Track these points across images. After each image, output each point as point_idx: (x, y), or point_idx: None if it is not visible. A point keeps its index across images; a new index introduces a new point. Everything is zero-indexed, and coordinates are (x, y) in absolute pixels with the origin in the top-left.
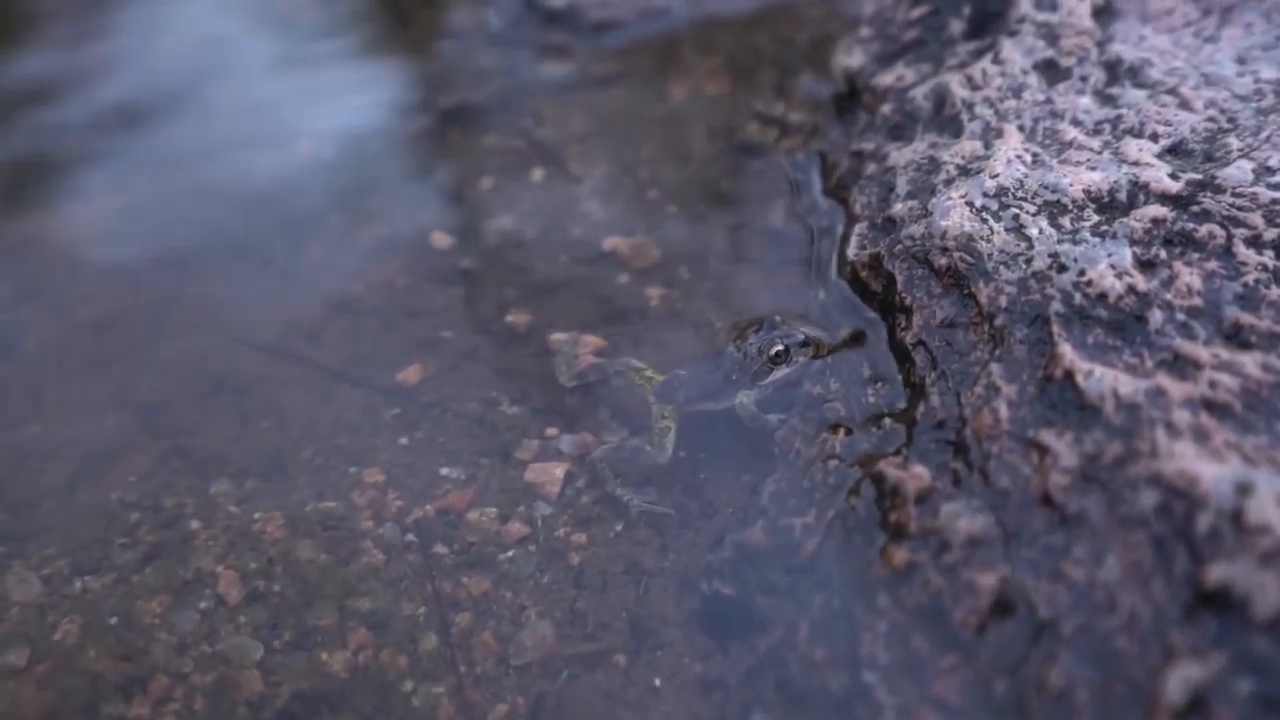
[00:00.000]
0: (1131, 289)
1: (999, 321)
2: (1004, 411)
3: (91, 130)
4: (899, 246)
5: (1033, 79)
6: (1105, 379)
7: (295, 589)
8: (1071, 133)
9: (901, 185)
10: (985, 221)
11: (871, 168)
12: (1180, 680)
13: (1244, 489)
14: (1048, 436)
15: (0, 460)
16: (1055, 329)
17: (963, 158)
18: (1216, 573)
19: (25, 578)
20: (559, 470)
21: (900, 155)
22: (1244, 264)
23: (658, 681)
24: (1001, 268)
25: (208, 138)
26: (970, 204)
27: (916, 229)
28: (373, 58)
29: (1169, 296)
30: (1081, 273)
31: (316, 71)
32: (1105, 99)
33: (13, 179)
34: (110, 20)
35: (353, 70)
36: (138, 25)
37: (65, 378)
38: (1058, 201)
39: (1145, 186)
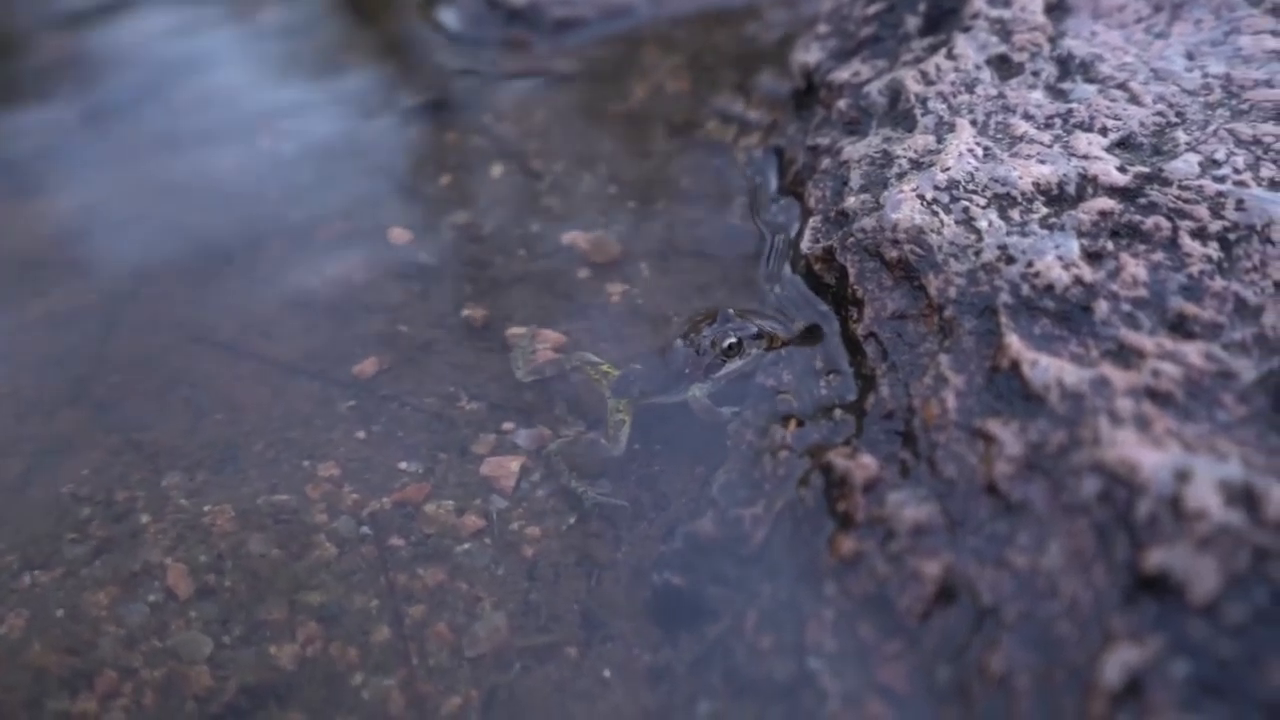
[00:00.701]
0: (1078, 280)
1: (948, 313)
2: (951, 401)
3: (50, 126)
4: (851, 239)
5: (986, 74)
6: (1051, 369)
7: (246, 583)
8: (1022, 127)
9: (855, 179)
10: (935, 214)
11: (826, 162)
12: (1118, 664)
13: (1183, 475)
14: (994, 426)
15: None
16: (1003, 320)
17: (915, 151)
18: (1155, 558)
19: None
20: (515, 464)
21: (854, 149)
22: (1189, 255)
23: (607, 673)
24: (951, 260)
25: (168, 134)
26: (921, 197)
27: (868, 222)
28: (334, 55)
29: (1115, 287)
30: (1029, 264)
31: (277, 69)
32: (1056, 93)
33: None
34: (69, 15)
35: (314, 68)
36: (97, 23)
37: (18, 373)
38: (1007, 194)
39: (1094, 179)
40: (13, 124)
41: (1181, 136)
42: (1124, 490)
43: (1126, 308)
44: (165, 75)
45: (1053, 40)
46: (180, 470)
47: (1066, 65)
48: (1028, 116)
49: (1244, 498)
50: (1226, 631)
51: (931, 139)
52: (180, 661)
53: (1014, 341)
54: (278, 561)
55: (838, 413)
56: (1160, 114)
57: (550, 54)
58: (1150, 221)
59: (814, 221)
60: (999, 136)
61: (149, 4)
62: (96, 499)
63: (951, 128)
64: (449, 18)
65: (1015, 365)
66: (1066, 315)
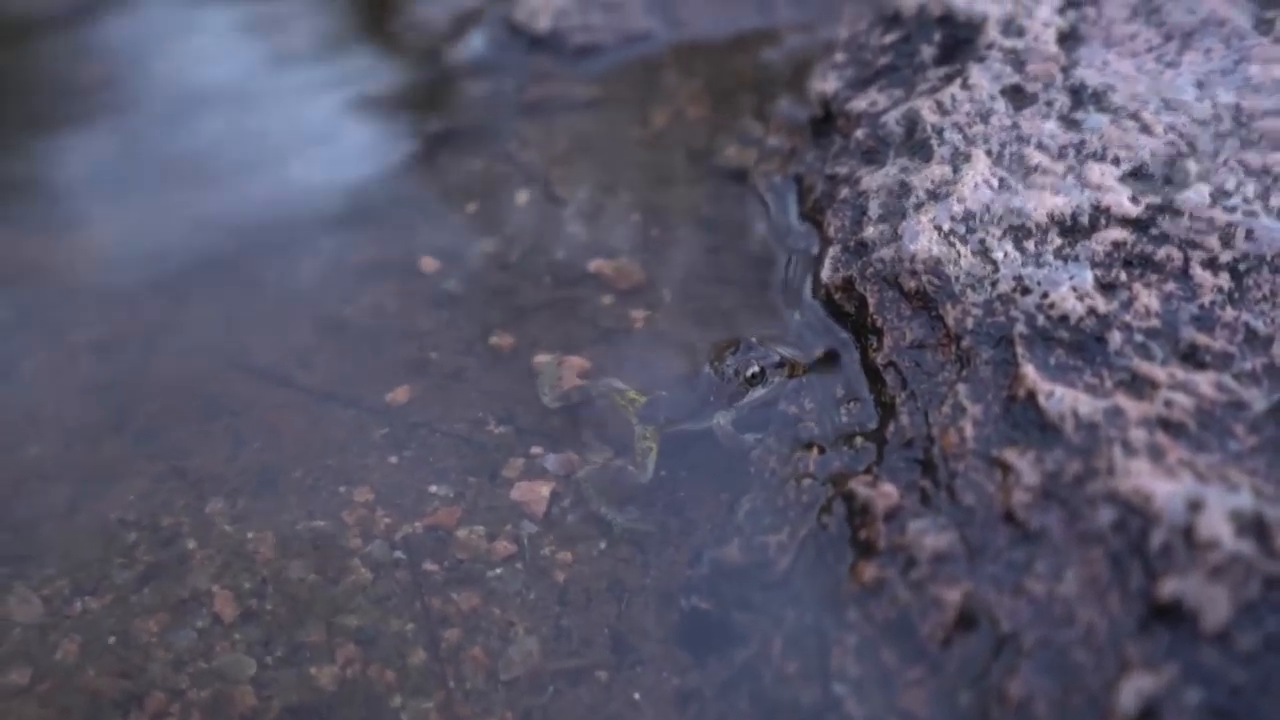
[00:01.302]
0: (1092, 310)
1: (965, 343)
2: (969, 430)
3: (89, 158)
4: (870, 269)
5: (1000, 104)
6: (1066, 399)
7: (286, 607)
8: (1037, 157)
9: (873, 209)
10: (952, 245)
11: (845, 191)
12: (1133, 691)
13: (1195, 505)
14: (1011, 455)
15: (1, 481)
16: (1019, 350)
17: (932, 182)
18: (1169, 587)
19: (27, 599)
20: (545, 489)
21: (872, 179)
22: (1200, 285)
23: (637, 695)
24: (968, 290)
25: (202, 164)
26: (938, 228)
27: (887, 252)
28: (360, 82)
29: (1128, 318)
30: (1044, 295)
31: (306, 97)
32: (1070, 123)
33: (11, 206)
34: (102, 45)
35: (341, 95)
36: (129, 52)
37: (63, 400)
38: (1022, 225)
39: (1106, 210)
40: (54, 157)
41: (1192, 166)
42: (1138, 520)
43: (1139, 338)
44: (197, 105)
45: (1065, 70)
46: (223, 496)
47: (1079, 95)
48: (1041, 147)
49: (1255, 527)
50: (1238, 659)
51: (948, 169)
52: (226, 682)
53: (1030, 372)
54: (316, 586)
55: (859, 440)
56: (1171, 144)
57: (572, 80)
58: (1162, 252)
59: (833, 251)
60: (1014, 167)
61: (181, 33)
62: (143, 525)
63: (967, 158)
64: (473, 45)
65: (1031, 395)
66: (1081, 345)
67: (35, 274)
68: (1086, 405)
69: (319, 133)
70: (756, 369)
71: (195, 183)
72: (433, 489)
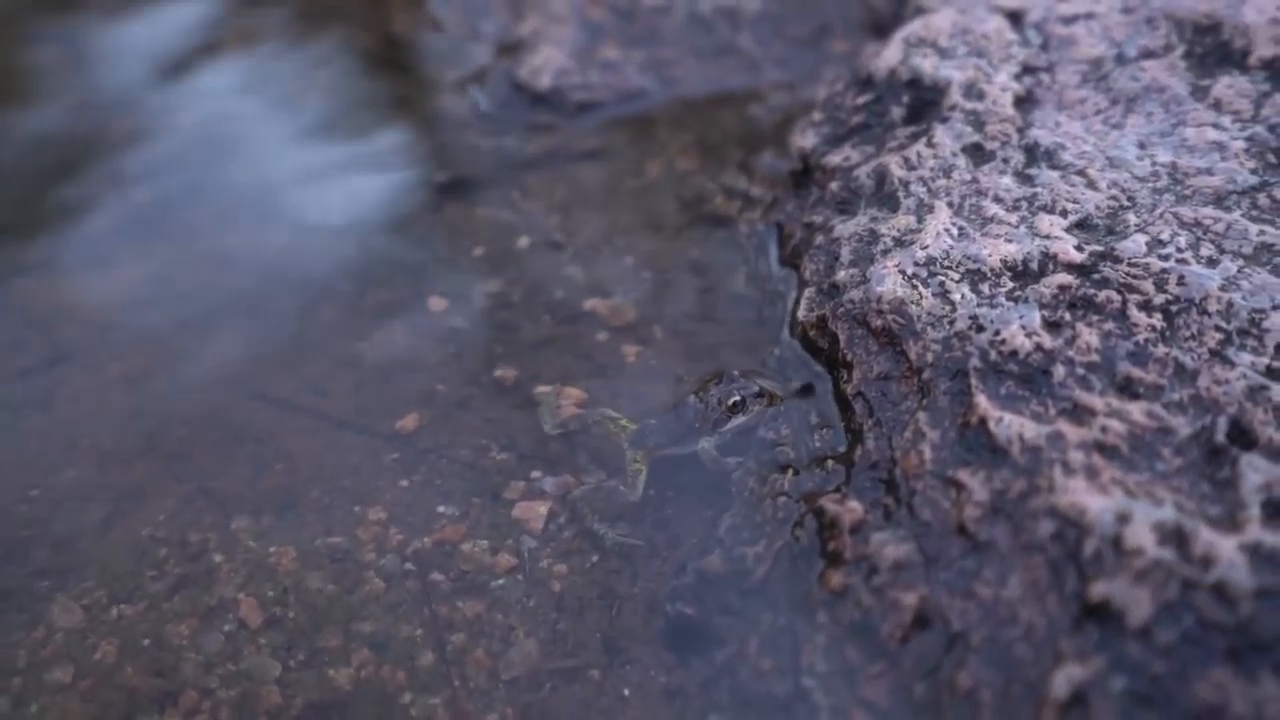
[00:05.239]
0: (1039, 347)
1: (926, 375)
2: (928, 453)
3: (116, 204)
4: (841, 309)
5: (961, 161)
6: (1013, 425)
7: (306, 614)
8: (993, 209)
9: (845, 254)
10: (915, 288)
11: (820, 238)
12: (1065, 679)
13: (1123, 518)
14: (964, 475)
15: (42, 502)
16: (973, 382)
17: (898, 231)
18: (1099, 589)
19: (68, 607)
20: (543, 508)
21: (845, 228)
22: (1136, 325)
23: (627, 692)
24: (928, 328)
25: (225, 210)
26: (903, 272)
27: (857, 294)
28: (374, 137)
29: (1071, 353)
30: (996, 333)
31: (323, 150)
32: (1024, 179)
33: (46, 249)
34: (129, 100)
35: (357, 148)
36: (155, 106)
37: (98, 428)
38: (978, 270)
39: (1054, 257)
40: (91, 202)
41: (1132, 219)
42: (1074, 531)
43: (1080, 371)
44: (224, 157)
45: (1021, 130)
46: (247, 515)
47: (1033, 153)
48: (998, 199)
49: (1175, 537)
50: (1158, 651)
51: (913, 219)
52: (252, 682)
53: (982, 401)
54: (334, 595)
55: (829, 463)
56: (1114, 198)
57: (571, 134)
58: (1103, 295)
59: (809, 292)
60: (972, 217)
61: (204, 91)
62: (173, 541)
63: (930, 209)
64: (478, 101)
65: (983, 422)
66: (1028, 378)
67: (71, 312)
68: (1031, 430)
69: (335, 183)
70: (738, 398)
71: (219, 228)
72: (440, 509)
